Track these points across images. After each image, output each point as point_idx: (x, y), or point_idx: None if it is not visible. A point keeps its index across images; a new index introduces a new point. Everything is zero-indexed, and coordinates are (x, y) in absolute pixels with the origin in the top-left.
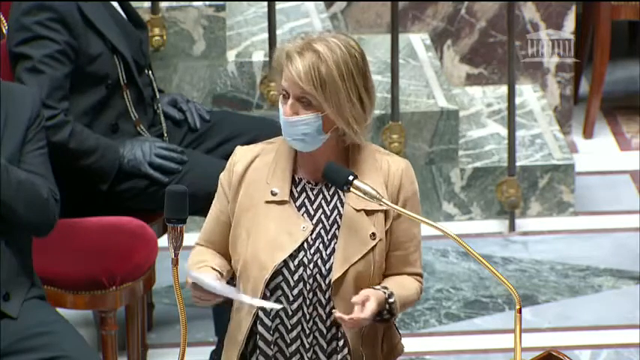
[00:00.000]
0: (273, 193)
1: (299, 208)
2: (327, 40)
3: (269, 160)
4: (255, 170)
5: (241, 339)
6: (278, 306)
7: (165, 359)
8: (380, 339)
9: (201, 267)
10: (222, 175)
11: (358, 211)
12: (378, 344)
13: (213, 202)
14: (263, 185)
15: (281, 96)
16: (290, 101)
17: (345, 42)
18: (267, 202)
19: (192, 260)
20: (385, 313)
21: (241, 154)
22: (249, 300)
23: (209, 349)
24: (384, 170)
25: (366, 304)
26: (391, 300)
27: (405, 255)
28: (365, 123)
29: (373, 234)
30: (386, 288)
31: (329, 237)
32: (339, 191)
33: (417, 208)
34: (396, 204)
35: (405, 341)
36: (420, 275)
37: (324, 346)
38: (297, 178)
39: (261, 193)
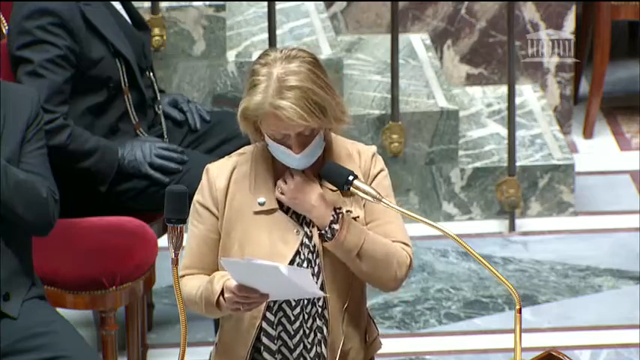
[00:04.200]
0: (261, 203)
1: (286, 212)
2: (289, 68)
3: (246, 170)
4: (235, 183)
5: (244, 353)
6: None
7: (165, 359)
8: (364, 332)
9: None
10: (199, 197)
11: (334, 191)
12: (362, 337)
13: (192, 227)
14: (247, 196)
15: (269, 139)
16: (295, 140)
17: (302, 58)
18: (256, 212)
19: (191, 286)
20: (333, 220)
21: (217, 170)
22: (313, 283)
23: (209, 349)
24: (355, 158)
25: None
26: (342, 210)
27: (380, 225)
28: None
29: (348, 211)
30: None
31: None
32: (320, 186)
33: (388, 188)
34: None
35: (405, 341)
36: (406, 244)
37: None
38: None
39: (247, 204)
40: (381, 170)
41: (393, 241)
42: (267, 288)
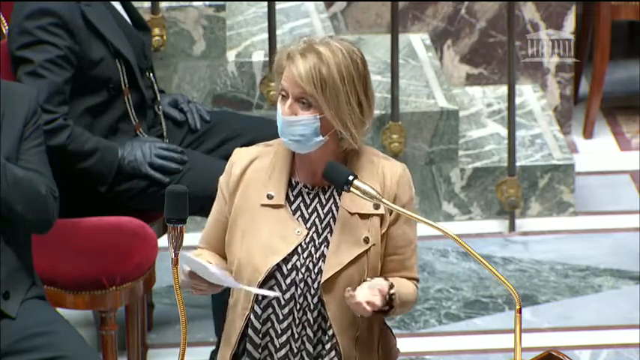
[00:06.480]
0: (269, 197)
1: (294, 212)
2: (329, 43)
3: (267, 162)
4: (253, 172)
5: (234, 340)
6: (273, 294)
7: (165, 359)
8: (376, 343)
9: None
10: (221, 178)
11: (352, 214)
12: (374, 349)
13: (214, 204)
14: (260, 188)
15: (280, 96)
16: (289, 101)
17: (347, 47)
18: (263, 205)
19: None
20: (384, 305)
21: (239, 156)
22: (243, 286)
23: (209, 349)
24: (379, 176)
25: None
26: (392, 291)
27: (401, 260)
28: (363, 128)
29: (366, 238)
30: (387, 279)
31: (320, 240)
32: (336, 196)
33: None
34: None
35: (405, 341)
36: (417, 280)
37: (311, 350)
38: (293, 182)
39: (257, 195)
40: (409, 200)
41: (409, 278)
42: (216, 281)
